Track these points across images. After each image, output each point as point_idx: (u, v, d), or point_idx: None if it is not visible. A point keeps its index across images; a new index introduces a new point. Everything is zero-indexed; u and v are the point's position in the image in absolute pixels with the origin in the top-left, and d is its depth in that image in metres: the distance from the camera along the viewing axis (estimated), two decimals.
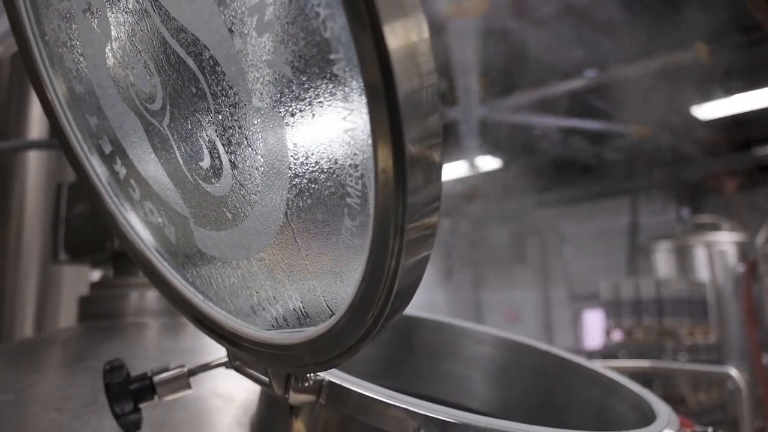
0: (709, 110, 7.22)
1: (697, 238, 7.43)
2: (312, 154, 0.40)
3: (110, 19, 0.50)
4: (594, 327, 10.54)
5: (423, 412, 0.57)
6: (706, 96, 6.93)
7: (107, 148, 0.59)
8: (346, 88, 0.36)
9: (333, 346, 0.45)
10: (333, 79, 0.36)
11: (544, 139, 7.62)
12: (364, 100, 0.33)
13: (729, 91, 6.77)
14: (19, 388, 0.86)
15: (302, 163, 0.41)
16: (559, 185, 9.41)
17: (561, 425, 0.61)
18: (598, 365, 0.87)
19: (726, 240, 7.37)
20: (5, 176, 1.67)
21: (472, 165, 9.05)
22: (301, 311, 0.49)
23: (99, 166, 0.62)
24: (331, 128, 0.38)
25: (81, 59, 0.56)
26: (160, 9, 0.45)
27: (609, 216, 10.46)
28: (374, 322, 0.41)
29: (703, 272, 7.27)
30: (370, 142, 0.34)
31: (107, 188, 0.62)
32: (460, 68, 6.44)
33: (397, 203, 0.35)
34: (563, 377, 0.88)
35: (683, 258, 7.45)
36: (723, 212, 7.94)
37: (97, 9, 0.51)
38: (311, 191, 0.42)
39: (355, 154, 0.37)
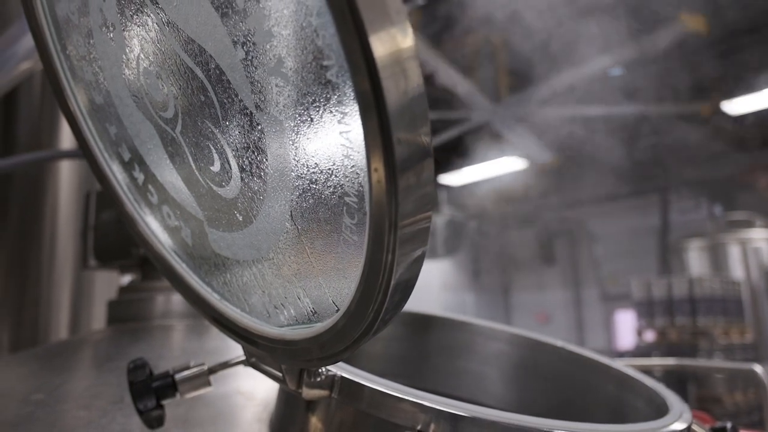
0: (740, 105, 7.09)
1: (730, 236, 7.30)
2: (312, 156, 0.43)
3: (124, 32, 0.53)
4: (626, 327, 10.40)
5: (434, 406, 0.58)
6: (737, 91, 6.81)
7: (126, 156, 0.62)
8: (340, 93, 0.38)
9: (338, 340, 0.47)
10: (327, 84, 0.38)
11: (573, 137, 7.56)
12: (356, 103, 0.35)
13: (759, 86, 6.64)
14: (51, 387, 0.89)
15: (304, 164, 0.43)
16: (587, 184, 9.32)
17: (576, 420, 0.62)
18: (610, 360, 0.88)
19: (760, 237, 7.23)
20: (39, 186, 1.73)
21: (499, 165, 9.02)
22: (309, 308, 0.51)
23: (119, 172, 0.65)
24: (328, 131, 0.40)
25: (99, 71, 0.59)
26: (169, 22, 0.48)
27: (639, 214, 10.32)
28: (375, 316, 0.43)
29: (737, 270, 7.14)
30: (363, 143, 0.36)
31: (128, 194, 0.65)
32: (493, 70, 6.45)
33: (390, 200, 0.36)
34: (579, 373, 0.89)
35: (716, 256, 7.32)
36: (756, 208, 7.79)
37: (112, 24, 0.53)
38: (313, 191, 0.44)
39: (351, 155, 0.39)
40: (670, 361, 2.33)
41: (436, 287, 11.30)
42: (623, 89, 6.68)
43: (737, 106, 7.13)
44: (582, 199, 10.14)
